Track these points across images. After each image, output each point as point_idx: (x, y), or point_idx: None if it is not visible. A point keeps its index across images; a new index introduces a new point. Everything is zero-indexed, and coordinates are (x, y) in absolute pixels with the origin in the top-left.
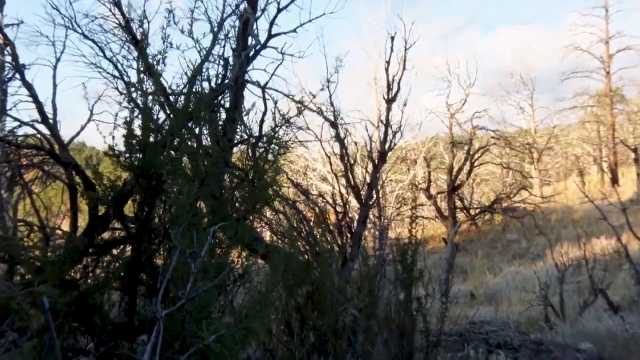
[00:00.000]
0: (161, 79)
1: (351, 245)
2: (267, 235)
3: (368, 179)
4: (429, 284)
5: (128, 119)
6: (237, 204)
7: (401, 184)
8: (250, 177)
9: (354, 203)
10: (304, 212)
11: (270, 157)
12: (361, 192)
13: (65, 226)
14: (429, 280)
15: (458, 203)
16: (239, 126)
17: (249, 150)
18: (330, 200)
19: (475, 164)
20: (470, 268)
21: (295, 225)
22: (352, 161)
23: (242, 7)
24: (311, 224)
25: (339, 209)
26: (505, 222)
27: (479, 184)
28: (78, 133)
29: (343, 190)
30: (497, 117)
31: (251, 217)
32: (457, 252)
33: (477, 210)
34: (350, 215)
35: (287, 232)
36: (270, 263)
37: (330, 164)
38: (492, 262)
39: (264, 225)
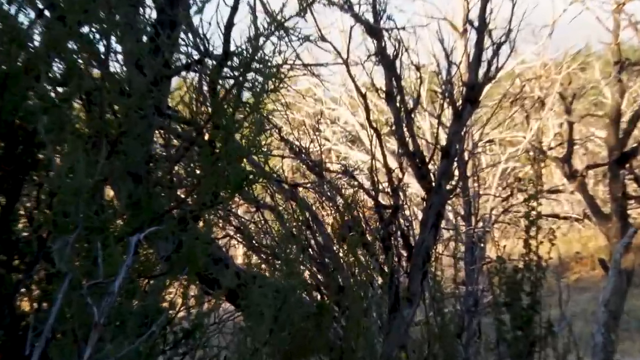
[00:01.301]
0: None
1: (409, 272)
2: (239, 253)
3: (443, 140)
4: (570, 353)
5: None
6: (181, 191)
7: (512, 149)
8: (207, 137)
9: (414, 189)
10: (314, 207)
11: (247, 96)
12: (429, 167)
13: None
14: (568, 343)
15: (632, 188)
16: (183, 35)
17: (205, 84)
18: (367, 184)
19: None
20: None
21: (296, 233)
22: (410, 104)
23: None
24: (328, 230)
25: (383, 200)
26: None
27: None
28: None
29: (392, 163)
30: None
31: (209, 217)
32: (630, 288)
33: None
34: (407, 213)
35: (281, 247)
36: (247, 308)
37: (367, 111)
38: None
39: (234, 232)
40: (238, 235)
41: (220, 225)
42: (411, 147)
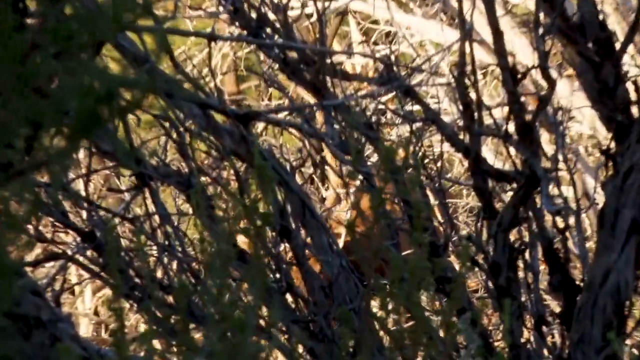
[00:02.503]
0: None
1: (569, 357)
2: (86, 304)
3: None
4: None
5: None
6: None
7: None
8: None
9: (584, 123)
10: (302, 178)
11: None
12: (621, 60)
13: None
14: None
15: None
16: None
17: None
18: (448, 114)
19: None
20: None
21: (254, 251)
22: None
23: None
24: (339, 242)
25: (493, 157)
26: None
27: None
28: None
29: (520, 52)
30: None
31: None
32: None
33: None
34: (564, 193)
35: (209, 291)
36: None
37: None
38: None
39: (74, 247)
40: (86, 255)
41: (43, 227)
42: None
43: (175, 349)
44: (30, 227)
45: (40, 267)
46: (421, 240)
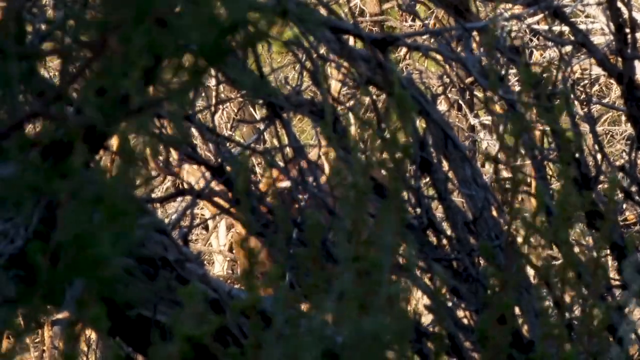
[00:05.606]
0: None
1: None
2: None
3: None
4: None
5: None
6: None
7: None
8: None
9: None
10: None
11: None
12: None
13: None
14: None
15: None
16: None
17: None
18: None
19: None
20: None
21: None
22: None
23: None
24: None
25: None
26: None
27: None
28: None
29: None
30: None
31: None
32: None
33: None
34: None
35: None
36: None
37: None
38: None
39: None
40: (214, 190)
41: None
42: None
43: (309, 289)
44: (159, 160)
45: (171, 201)
46: (569, 172)
